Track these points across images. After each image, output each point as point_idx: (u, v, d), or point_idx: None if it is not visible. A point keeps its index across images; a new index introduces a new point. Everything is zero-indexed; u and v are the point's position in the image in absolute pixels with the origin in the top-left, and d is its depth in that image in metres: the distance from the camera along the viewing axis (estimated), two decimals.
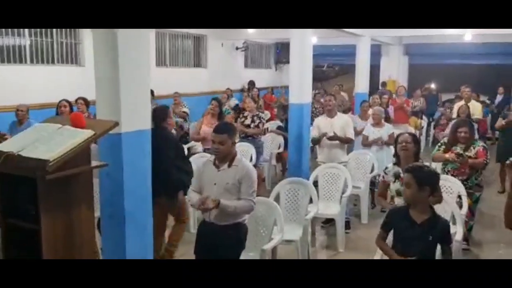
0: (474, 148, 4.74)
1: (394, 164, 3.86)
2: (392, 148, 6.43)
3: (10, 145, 2.11)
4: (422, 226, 2.68)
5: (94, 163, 2.36)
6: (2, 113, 6.47)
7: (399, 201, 3.55)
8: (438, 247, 2.77)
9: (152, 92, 8.10)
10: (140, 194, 3.65)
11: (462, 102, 8.14)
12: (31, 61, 7.33)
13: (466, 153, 4.68)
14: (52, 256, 2.09)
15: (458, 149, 4.72)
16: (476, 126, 7.17)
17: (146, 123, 3.68)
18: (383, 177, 3.89)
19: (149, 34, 3.66)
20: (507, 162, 2.34)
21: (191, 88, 10.27)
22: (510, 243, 5.09)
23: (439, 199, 3.64)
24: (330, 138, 5.49)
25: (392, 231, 2.84)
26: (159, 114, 4.40)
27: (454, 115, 7.52)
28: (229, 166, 3.23)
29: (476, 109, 8.45)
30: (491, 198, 6.99)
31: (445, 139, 5.01)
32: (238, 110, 7.94)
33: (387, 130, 6.38)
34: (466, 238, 5.01)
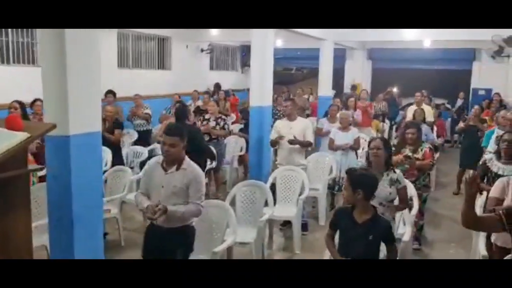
0: (421, 150, 4.90)
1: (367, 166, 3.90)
2: (358, 151, 6.61)
3: None
4: (364, 226, 2.75)
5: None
6: None
7: None
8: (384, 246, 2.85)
9: (113, 93, 8.05)
10: (90, 197, 3.60)
11: (414, 106, 8.41)
12: None
13: (415, 155, 4.82)
14: None
15: (407, 151, 4.86)
16: (428, 128, 7.37)
17: (96, 126, 3.64)
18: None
19: (98, 35, 3.60)
20: (466, 176, 2.43)
21: (155, 90, 10.18)
22: (461, 243, 5.26)
23: (404, 207, 3.75)
24: (291, 142, 5.54)
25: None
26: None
27: (409, 119, 7.71)
28: (177, 169, 3.22)
29: (428, 112, 8.74)
30: (445, 200, 7.22)
31: (395, 141, 5.15)
32: (200, 112, 7.91)
33: (352, 134, 6.43)
34: (417, 238, 5.15)
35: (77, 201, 3.46)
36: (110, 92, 7.94)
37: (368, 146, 3.85)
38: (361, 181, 2.80)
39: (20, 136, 2.13)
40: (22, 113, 5.50)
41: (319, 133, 7.25)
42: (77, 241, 3.49)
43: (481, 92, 12.44)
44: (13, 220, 2.18)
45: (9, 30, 7.41)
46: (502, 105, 8.53)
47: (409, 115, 8.04)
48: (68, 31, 3.30)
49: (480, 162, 4.89)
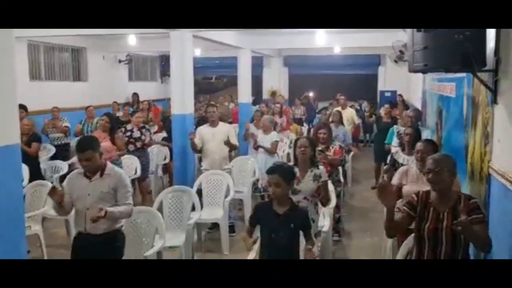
0: (332, 147, 5.37)
1: (293, 165, 4.11)
2: (278, 154, 6.90)
3: None
4: (284, 216, 2.96)
5: None
6: None
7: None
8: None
9: (25, 107, 7.69)
10: (11, 214, 3.48)
11: (340, 109, 8.97)
12: None
13: (326, 153, 5.22)
14: None
15: (320, 149, 5.24)
16: (346, 130, 7.91)
17: (14, 138, 3.53)
18: None
19: (13, 42, 3.51)
20: (385, 168, 2.73)
21: (70, 103, 9.83)
22: (374, 231, 5.73)
23: (326, 200, 4.01)
24: (226, 143, 5.69)
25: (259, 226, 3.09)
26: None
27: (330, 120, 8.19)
28: (101, 175, 3.29)
29: (352, 115, 9.37)
30: (361, 194, 7.78)
31: None
32: (121, 123, 7.80)
33: (271, 137, 6.67)
34: (337, 230, 5.54)
35: None
36: (21, 107, 7.56)
37: (295, 145, 4.11)
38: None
39: None
40: None
41: (248, 137, 7.44)
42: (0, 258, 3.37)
43: (387, 94, 13.47)
44: None
45: None
46: (405, 105, 9.35)
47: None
48: None
49: (390, 156, 5.44)
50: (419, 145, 3.84)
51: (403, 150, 4.86)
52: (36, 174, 5.83)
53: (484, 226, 2.64)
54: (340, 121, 7.76)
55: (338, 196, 5.44)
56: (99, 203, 3.19)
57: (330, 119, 8.02)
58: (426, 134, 6.30)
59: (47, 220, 5.46)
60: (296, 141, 4.20)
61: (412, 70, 3.21)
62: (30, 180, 5.50)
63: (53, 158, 7.56)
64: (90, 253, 3.22)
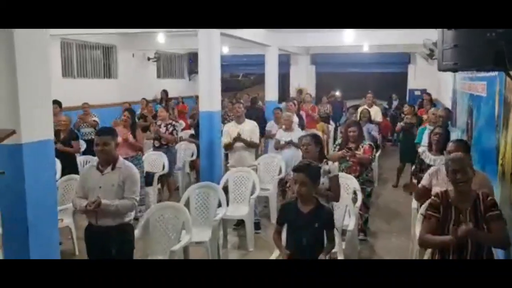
0: (362, 146, 5.27)
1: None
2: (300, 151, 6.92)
3: None
4: (309, 215, 2.97)
5: None
6: None
7: None
8: None
9: (59, 103, 7.92)
10: (44, 205, 3.63)
11: (366, 107, 8.91)
12: None
13: (356, 151, 5.17)
14: None
15: (349, 147, 5.20)
16: (373, 126, 7.85)
17: (48, 134, 3.67)
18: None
19: (48, 41, 3.64)
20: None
21: (101, 99, 10.06)
22: (401, 232, 5.66)
23: (335, 196, 3.99)
24: (236, 139, 5.75)
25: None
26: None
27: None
28: (113, 169, 3.38)
29: (377, 113, 9.27)
30: (387, 194, 7.68)
31: (339, 140, 5.50)
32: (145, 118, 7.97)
33: (296, 134, 6.71)
34: (363, 230, 5.49)
35: (31, 210, 3.48)
36: (56, 102, 7.79)
37: (300, 143, 4.13)
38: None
39: None
40: None
41: (268, 136, 7.51)
42: (33, 250, 3.50)
43: (417, 93, 13.25)
44: None
45: None
46: (432, 104, 9.18)
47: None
48: (17, 38, 3.32)
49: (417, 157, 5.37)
50: (450, 146, 3.77)
51: (430, 150, 4.78)
52: (72, 168, 6.00)
53: (501, 223, 2.63)
54: (368, 119, 7.75)
55: (368, 195, 5.38)
56: (110, 196, 3.27)
57: (359, 117, 7.97)
58: (456, 134, 6.17)
59: (78, 214, 5.59)
60: (299, 139, 4.21)
61: (442, 69, 3.16)
62: (64, 174, 5.66)
63: (84, 152, 7.76)
64: (102, 244, 3.33)
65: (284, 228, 3.16)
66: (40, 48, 3.57)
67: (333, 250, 3.33)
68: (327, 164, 3.90)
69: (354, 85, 14.39)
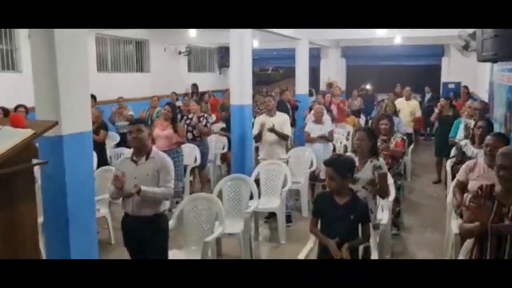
0: (394, 139, 5.24)
1: (352, 156, 4.10)
2: (332, 144, 6.90)
3: None
4: (344, 207, 2.97)
5: (35, 161, 2.45)
6: None
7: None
8: None
9: (94, 97, 8.12)
10: (83, 195, 3.74)
11: (401, 99, 8.77)
12: None
13: (388, 144, 5.12)
14: None
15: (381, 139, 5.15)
16: (400, 120, 7.70)
17: (87, 125, 3.78)
18: None
19: (86, 37, 3.74)
20: (448, 160, 2.68)
21: (134, 93, 10.26)
22: (435, 227, 5.57)
23: (384, 192, 3.96)
24: (270, 130, 5.77)
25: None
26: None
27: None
28: (147, 159, 3.45)
29: (415, 107, 9.10)
30: (420, 188, 7.56)
31: None
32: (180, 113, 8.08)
33: (326, 127, 6.71)
34: (395, 224, 5.43)
35: (71, 200, 3.59)
36: (91, 96, 8.00)
37: (353, 136, 4.12)
38: (348, 166, 3.03)
39: (25, 133, 2.28)
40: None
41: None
42: (72, 238, 3.61)
43: (451, 86, 12.93)
44: (19, 212, 2.32)
45: None
46: (469, 97, 8.95)
47: (400, 107, 8.45)
48: (58, 35, 3.43)
49: (454, 149, 5.28)
50: (488, 139, 3.69)
51: (473, 143, 4.73)
52: (102, 160, 6.16)
53: None
54: (394, 113, 7.59)
55: (398, 189, 5.33)
56: (145, 185, 3.31)
57: (383, 110, 7.82)
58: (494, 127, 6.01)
59: (113, 204, 5.74)
60: (354, 132, 4.21)
61: (481, 60, 3.09)
62: (97, 166, 5.82)
63: (118, 145, 7.95)
64: (138, 233, 3.41)
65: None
66: (78, 44, 3.67)
67: (367, 244, 3.31)
68: (377, 159, 3.86)
69: (385, 78, 14.17)
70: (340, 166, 2.99)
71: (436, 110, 7.91)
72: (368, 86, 13.48)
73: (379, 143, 5.09)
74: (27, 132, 2.28)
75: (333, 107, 9.10)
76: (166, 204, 3.51)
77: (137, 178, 3.38)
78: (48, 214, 3.63)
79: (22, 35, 7.81)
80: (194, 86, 12.53)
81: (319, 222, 3.08)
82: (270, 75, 18.03)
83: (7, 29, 7.74)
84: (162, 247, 3.48)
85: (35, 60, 3.54)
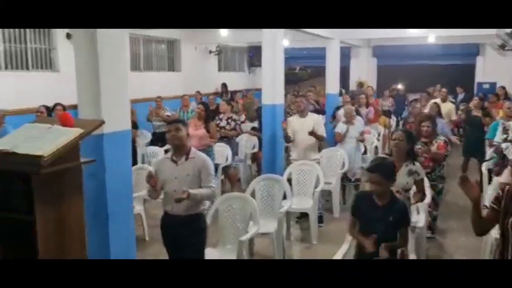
0: (436, 142, 5.04)
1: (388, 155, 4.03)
2: (362, 144, 6.82)
3: (3, 143, 2.26)
4: (384, 208, 2.94)
5: (83, 159, 2.52)
6: None
7: None
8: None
9: None
10: (123, 193, 3.82)
11: (437, 100, 8.54)
12: (5, 67, 7.34)
13: (430, 147, 4.98)
14: (45, 247, 2.24)
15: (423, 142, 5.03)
16: (444, 122, 7.49)
17: (126, 124, 3.85)
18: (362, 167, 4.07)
19: (126, 37, 3.81)
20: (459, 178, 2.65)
21: (165, 92, 10.38)
22: (470, 230, 5.41)
23: (421, 198, 3.90)
24: (310, 133, 5.72)
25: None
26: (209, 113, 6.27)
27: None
28: (186, 159, 3.46)
29: (452, 109, 8.89)
30: (456, 190, 7.36)
31: None
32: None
33: (357, 127, 6.66)
34: (431, 227, 5.34)
35: (111, 197, 3.67)
36: None
37: (391, 137, 4.06)
38: (392, 169, 3.01)
39: (74, 132, 2.35)
40: (48, 116, 5.73)
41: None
42: (112, 234, 3.70)
43: (486, 86, 12.62)
44: (68, 207, 2.40)
45: (28, 37, 7.65)
46: (507, 98, 8.71)
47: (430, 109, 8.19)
48: (100, 35, 3.50)
49: (491, 151, 5.12)
50: None
51: None
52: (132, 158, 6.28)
53: None
54: (438, 114, 7.38)
55: (439, 192, 5.21)
56: (185, 185, 3.34)
57: (428, 112, 7.56)
58: None
59: (148, 201, 5.84)
60: (392, 133, 4.15)
61: None
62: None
63: (150, 144, 8.08)
64: (178, 232, 3.44)
65: None
66: (119, 44, 3.74)
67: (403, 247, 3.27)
68: (414, 164, 3.78)
69: (418, 78, 13.89)
70: (386, 171, 2.97)
71: (459, 112, 7.74)
72: (399, 86, 13.27)
73: (419, 146, 4.99)
74: (76, 131, 2.35)
75: (371, 108, 8.98)
76: (205, 203, 3.55)
77: (177, 178, 3.41)
78: (89, 211, 3.70)
79: (59, 35, 8.02)
80: (224, 85, 12.61)
81: (358, 220, 3.06)
82: (298, 74, 17.92)
83: (45, 30, 7.96)
84: (201, 246, 3.52)
85: (78, 59, 3.61)
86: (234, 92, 11.77)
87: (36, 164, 2.10)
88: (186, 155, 3.48)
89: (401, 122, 11.78)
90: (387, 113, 11.03)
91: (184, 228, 3.41)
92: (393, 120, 11.54)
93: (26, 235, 2.22)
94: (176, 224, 3.46)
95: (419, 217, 4.39)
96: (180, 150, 3.49)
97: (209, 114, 6.33)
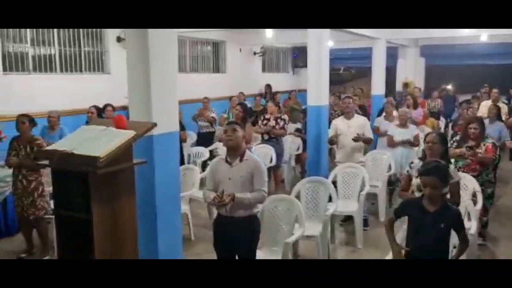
0: (484, 145, 4.86)
1: (420, 159, 3.97)
2: (415, 148, 6.64)
3: (63, 145, 2.38)
4: (435, 214, 2.86)
5: (135, 160, 2.61)
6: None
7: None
8: (454, 235, 2.96)
9: None
10: (170, 193, 3.91)
11: (489, 102, 8.20)
12: (60, 70, 7.68)
13: (477, 150, 4.80)
14: (101, 243, 2.34)
15: (469, 145, 4.84)
16: (503, 125, 7.10)
17: (174, 126, 3.95)
18: (408, 171, 3.99)
19: (176, 38, 3.88)
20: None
21: (211, 93, 10.52)
22: None
23: (455, 202, 3.78)
24: (355, 140, 5.65)
25: (405, 220, 3.04)
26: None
27: (482, 115, 7.38)
28: (241, 161, 3.47)
29: (504, 111, 8.52)
30: (508, 196, 7.09)
31: (458, 137, 5.17)
32: (253, 113, 8.20)
33: (411, 131, 6.51)
34: (482, 234, 5.14)
35: (159, 197, 3.78)
36: None
37: (424, 140, 3.96)
38: (447, 172, 2.97)
39: (128, 134, 2.43)
40: (98, 116, 5.95)
41: (376, 132, 7.32)
42: (160, 233, 3.80)
43: None
44: (122, 206, 2.50)
45: (81, 40, 7.97)
46: None
47: (482, 111, 7.87)
48: (151, 36, 3.60)
49: None
50: None
51: None
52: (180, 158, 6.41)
53: None
54: (496, 116, 7.01)
55: (488, 197, 5.01)
56: (239, 187, 3.37)
57: (486, 114, 7.20)
58: None
59: (192, 202, 5.96)
60: (425, 136, 4.03)
61: None
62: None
63: (196, 144, 8.23)
64: (230, 235, 3.45)
65: (402, 225, 3.08)
66: (169, 45, 3.84)
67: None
68: (448, 167, 3.68)
69: (468, 78, 13.36)
70: (443, 174, 2.91)
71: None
72: (449, 87, 12.84)
73: (464, 149, 4.82)
74: (130, 133, 2.43)
75: (420, 109, 8.75)
76: (259, 206, 3.56)
77: (231, 180, 3.43)
78: (139, 210, 3.83)
79: (110, 38, 8.31)
80: (268, 86, 12.63)
81: (407, 229, 3.00)
82: (342, 75, 17.70)
83: (97, 33, 8.27)
84: (253, 248, 3.53)
85: (129, 61, 3.73)
86: (275, 93, 11.77)
87: (93, 164, 2.20)
88: (241, 157, 3.48)
89: (450, 124, 11.43)
90: (436, 115, 10.70)
91: (238, 230, 3.42)
92: (442, 122, 11.18)
93: (83, 234, 2.32)
94: (230, 225, 3.45)
95: (470, 224, 4.24)
96: (234, 152, 3.49)
97: (247, 115, 6.35)
